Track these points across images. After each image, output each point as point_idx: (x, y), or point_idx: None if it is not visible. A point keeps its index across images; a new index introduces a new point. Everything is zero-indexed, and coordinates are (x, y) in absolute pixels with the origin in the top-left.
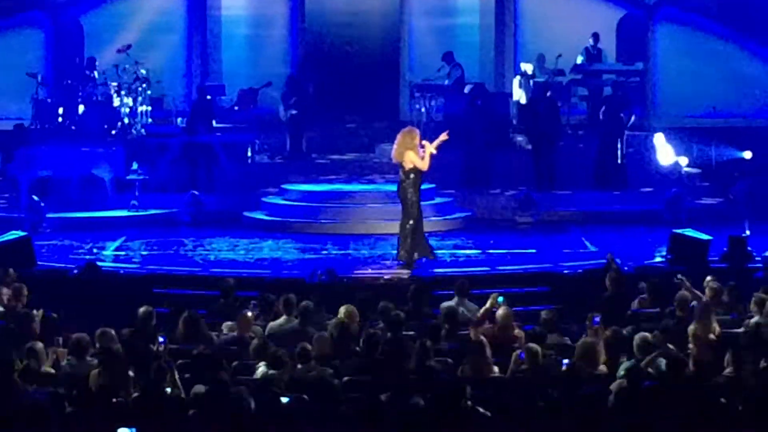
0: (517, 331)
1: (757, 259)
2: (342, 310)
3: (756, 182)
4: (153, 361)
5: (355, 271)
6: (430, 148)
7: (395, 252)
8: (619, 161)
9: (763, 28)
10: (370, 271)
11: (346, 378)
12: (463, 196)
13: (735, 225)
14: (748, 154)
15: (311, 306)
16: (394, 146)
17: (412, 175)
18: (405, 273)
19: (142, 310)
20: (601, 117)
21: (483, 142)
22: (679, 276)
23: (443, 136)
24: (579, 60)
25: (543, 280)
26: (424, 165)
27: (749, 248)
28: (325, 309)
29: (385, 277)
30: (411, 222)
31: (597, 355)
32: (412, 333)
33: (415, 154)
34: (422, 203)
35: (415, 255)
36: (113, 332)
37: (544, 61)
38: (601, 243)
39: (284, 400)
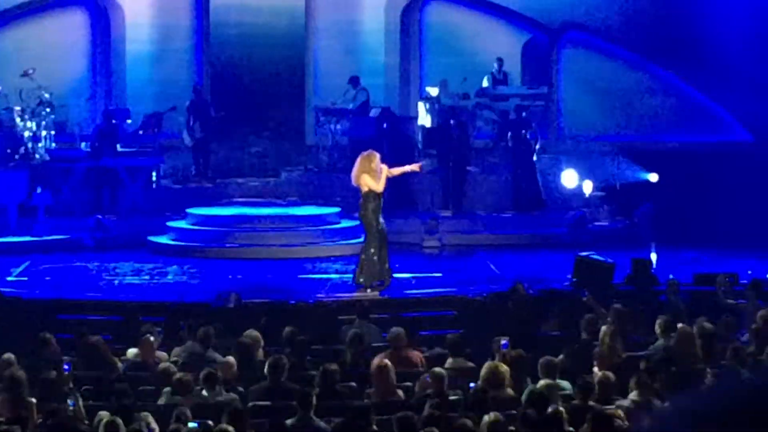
0: (416, 354)
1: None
2: (246, 334)
3: (659, 205)
4: (56, 388)
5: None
6: (388, 172)
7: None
8: (530, 184)
9: (665, 51)
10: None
11: (251, 403)
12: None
13: (639, 247)
14: (653, 177)
15: (215, 331)
16: (354, 170)
17: (370, 198)
18: (375, 294)
19: (38, 336)
20: (509, 141)
21: (389, 166)
22: (587, 296)
23: (415, 167)
24: (485, 84)
25: (448, 304)
26: (378, 186)
27: (653, 271)
28: (231, 333)
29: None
30: (374, 245)
31: (503, 378)
32: (317, 357)
33: (371, 177)
34: (327, 228)
35: (374, 278)
36: (14, 358)
37: (447, 85)
38: (506, 266)
39: (191, 425)
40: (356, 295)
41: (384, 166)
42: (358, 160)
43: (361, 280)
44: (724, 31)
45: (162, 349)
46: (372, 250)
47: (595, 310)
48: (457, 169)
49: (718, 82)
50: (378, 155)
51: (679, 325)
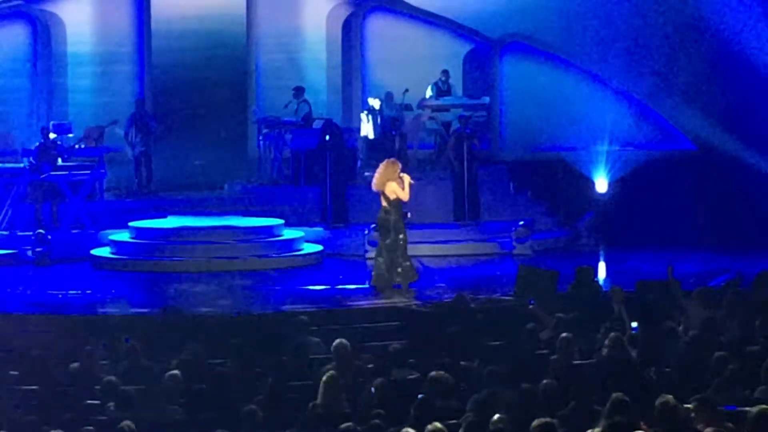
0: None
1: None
2: (191, 348)
3: (602, 213)
4: None
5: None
6: (408, 179)
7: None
8: (470, 195)
9: (609, 61)
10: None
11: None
12: (314, 232)
13: (582, 256)
14: (602, 185)
15: (155, 344)
16: (376, 176)
17: (394, 205)
18: (408, 300)
19: None
20: (450, 152)
21: (334, 178)
22: (532, 305)
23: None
24: (428, 95)
25: (392, 315)
26: (405, 195)
27: (596, 279)
28: (173, 346)
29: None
30: (398, 246)
31: (449, 388)
32: (260, 370)
33: (397, 184)
34: (271, 239)
35: (397, 279)
36: None
37: (392, 97)
38: (450, 277)
39: None
40: (387, 299)
41: (405, 176)
42: (382, 166)
43: (398, 280)
44: (669, 40)
45: (105, 363)
46: (398, 253)
47: (540, 319)
48: None
49: (663, 91)
50: (400, 164)
51: (612, 333)
